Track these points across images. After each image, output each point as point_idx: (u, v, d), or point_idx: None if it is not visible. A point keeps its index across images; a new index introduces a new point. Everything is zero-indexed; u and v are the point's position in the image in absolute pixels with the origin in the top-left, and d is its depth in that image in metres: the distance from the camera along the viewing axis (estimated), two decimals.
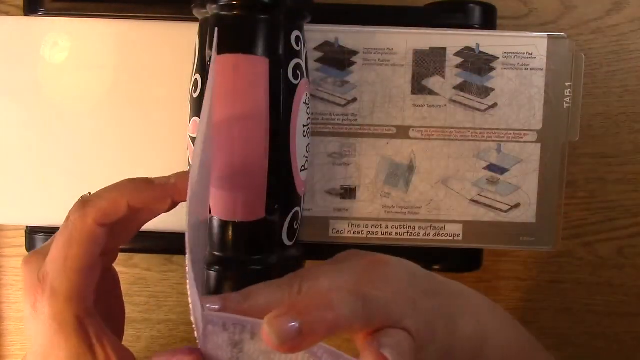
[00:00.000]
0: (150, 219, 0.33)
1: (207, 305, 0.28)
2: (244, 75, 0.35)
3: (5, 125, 0.42)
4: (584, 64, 0.42)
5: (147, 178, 0.32)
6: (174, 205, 0.32)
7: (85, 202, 0.30)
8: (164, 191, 0.31)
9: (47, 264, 0.30)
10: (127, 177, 0.32)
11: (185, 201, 0.28)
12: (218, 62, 0.35)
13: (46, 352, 0.30)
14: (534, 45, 0.41)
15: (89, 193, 0.31)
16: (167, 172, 0.33)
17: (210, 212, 0.36)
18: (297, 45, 0.37)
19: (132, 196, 0.30)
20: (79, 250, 0.29)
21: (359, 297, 0.27)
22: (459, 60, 0.41)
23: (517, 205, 0.42)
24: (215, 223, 0.36)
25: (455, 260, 0.44)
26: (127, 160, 0.42)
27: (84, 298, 0.30)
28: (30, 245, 0.43)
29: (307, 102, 0.38)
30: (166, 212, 0.32)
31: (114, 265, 0.35)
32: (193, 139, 0.37)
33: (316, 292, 0.28)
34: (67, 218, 0.30)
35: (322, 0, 0.41)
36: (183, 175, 0.32)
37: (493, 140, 0.42)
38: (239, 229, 0.36)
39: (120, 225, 0.31)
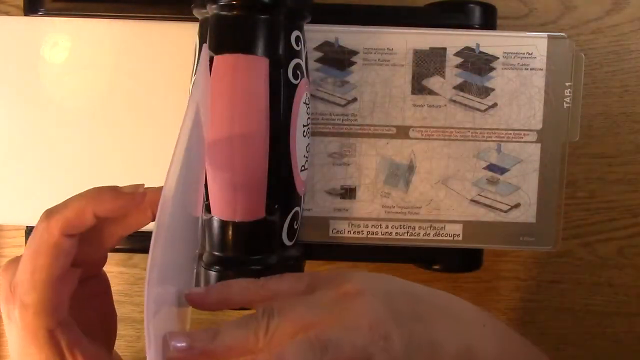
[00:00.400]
0: (134, 229, 0.32)
1: (173, 343, 0.27)
2: (244, 75, 0.35)
3: (5, 125, 0.42)
4: (584, 64, 0.42)
5: (114, 186, 0.30)
6: (155, 217, 0.31)
7: (50, 212, 0.29)
8: (132, 200, 0.30)
9: (17, 275, 0.29)
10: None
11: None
12: (217, 62, 0.35)
13: None
14: (534, 45, 0.41)
15: None
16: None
17: (210, 212, 0.36)
18: (297, 45, 0.37)
19: (97, 205, 0.29)
20: (46, 262, 0.29)
21: (318, 345, 0.26)
22: (459, 60, 0.41)
23: (517, 205, 0.42)
24: (215, 223, 0.36)
25: (455, 260, 0.44)
26: (127, 160, 0.42)
27: (55, 310, 0.29)
28: None
29: (307, 102, 0.38)
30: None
31: (113, 266, 0.35)
32: None
33: (277, 339, 0.27)
34: (35, 228, 0.29)
35: (322, 0, 0.41)
36: (157, 190, 0.30)
37: (493, 140, 0.42)
38: (239, 229, 0.36)
39: (92, 235, 0.30)
